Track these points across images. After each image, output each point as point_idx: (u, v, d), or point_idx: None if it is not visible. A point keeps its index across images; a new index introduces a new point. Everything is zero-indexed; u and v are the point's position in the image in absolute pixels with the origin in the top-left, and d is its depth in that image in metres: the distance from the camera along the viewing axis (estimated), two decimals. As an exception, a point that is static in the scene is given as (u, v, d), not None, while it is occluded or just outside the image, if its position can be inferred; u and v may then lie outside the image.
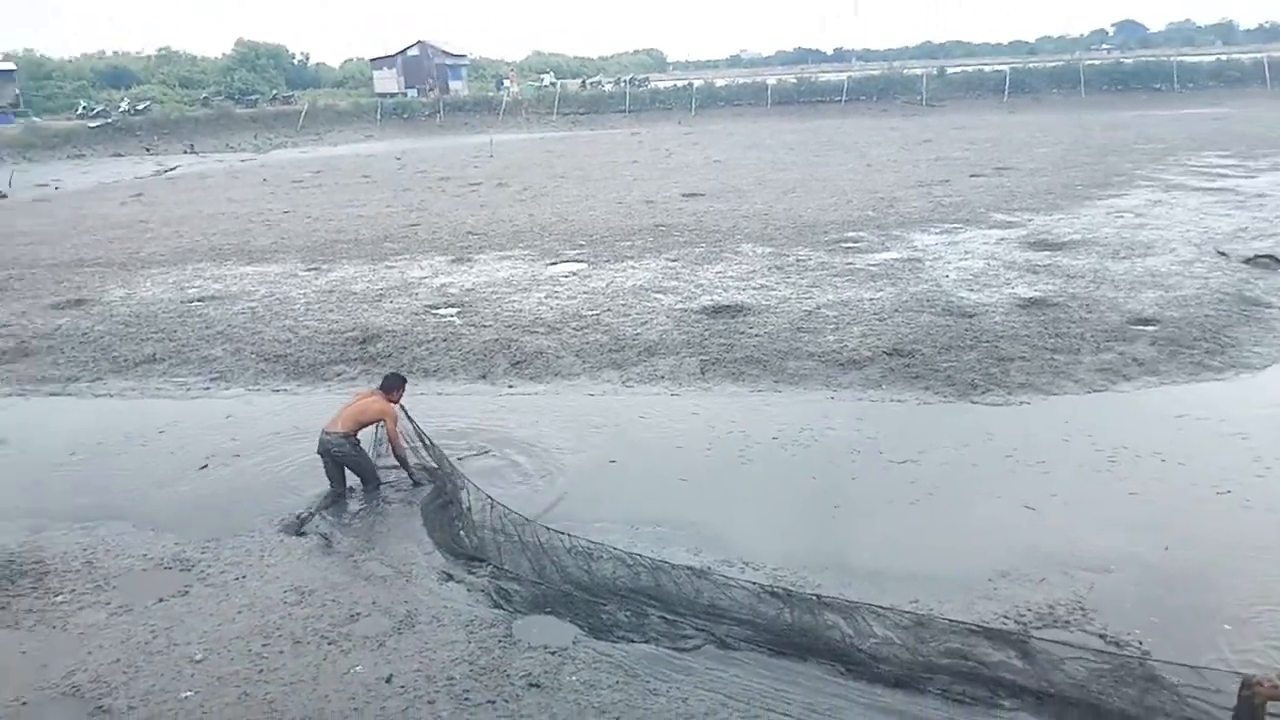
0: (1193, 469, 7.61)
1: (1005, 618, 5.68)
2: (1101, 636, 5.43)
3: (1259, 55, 54.73)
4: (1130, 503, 7.13)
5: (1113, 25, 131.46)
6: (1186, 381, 9.48)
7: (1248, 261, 13.64)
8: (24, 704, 5.33)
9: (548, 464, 8.36)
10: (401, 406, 8.18)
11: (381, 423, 8.00)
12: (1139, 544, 6.52)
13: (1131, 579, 6.09)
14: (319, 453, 7.87)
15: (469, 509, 7.40)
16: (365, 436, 8.09)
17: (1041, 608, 5.78)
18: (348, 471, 7.91)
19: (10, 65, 64.99)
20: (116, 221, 24.13)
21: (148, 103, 61.16)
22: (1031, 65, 59.88)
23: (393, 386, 8.11)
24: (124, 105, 59.32)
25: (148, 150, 48.87)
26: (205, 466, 8.72)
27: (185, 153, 47.68)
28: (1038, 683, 4.99)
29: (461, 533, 7.20)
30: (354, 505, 7.79)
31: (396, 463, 8.02)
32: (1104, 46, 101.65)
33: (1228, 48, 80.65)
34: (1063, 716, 4.81)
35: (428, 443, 8.08)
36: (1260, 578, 6.07)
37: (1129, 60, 59.38)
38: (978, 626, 5.50)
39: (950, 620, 5.58)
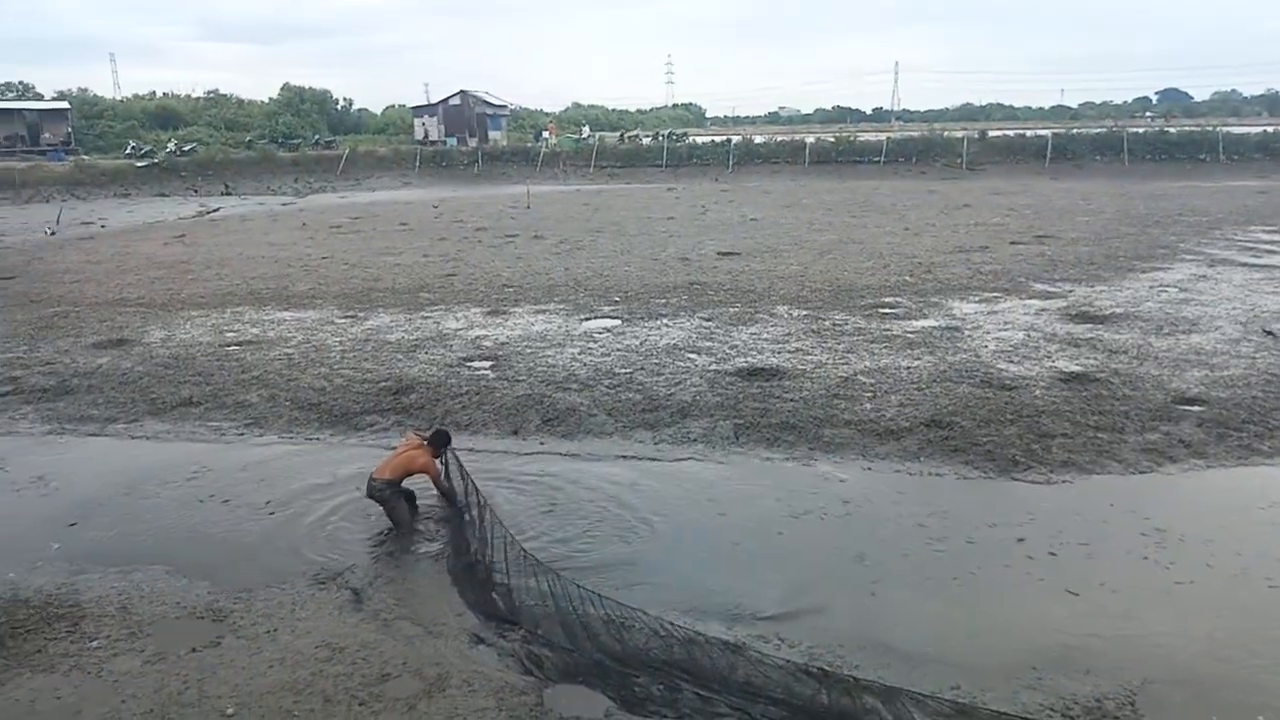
0: (1243, 558, 7.40)
1: (1051, 710, 5.51)
2: (1154, 736, 5.25)
3: (1307, 128, 54.33)
4: (1177, 592, 6.94)
5: (1156, 93, 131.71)
6: (1235, 465, 9.28)
7: (1295, 342, 13.42)
8: (53, 755, 5.30)
9: (583, 526, 8.31)
10: (454, 453, 8.57)
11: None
12: (1187, 636, 6.33)
13: (1179, 674, 5.90)
14: (367, 496, 8.21)
15: (494, 568, 7.39)
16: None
17: (1089, 701, 5.60)
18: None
19: (64, 104, 67.24)
20: (159, 261, 24.60)
21: (194, 144, 62.75)
22: (1074, 131, 59.76)
23: (441, 443, 8.49)
24: (170, 146, 60.89)
25: (194, 191, 50.00)
26: (269, 504, 8.92)
27: (223, 194, 48.69)
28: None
29: (493, 594, 7.14)
30: (385, 561, 7.75)
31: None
32: (1148, 114, 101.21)
33: (1274, 119, 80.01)
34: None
35: (478, 497, 8.17)
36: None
37: (1173, 129, 59.01)
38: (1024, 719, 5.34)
39: (994, 711, 5.42)
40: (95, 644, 6.48)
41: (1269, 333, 13.97)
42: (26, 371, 13.64)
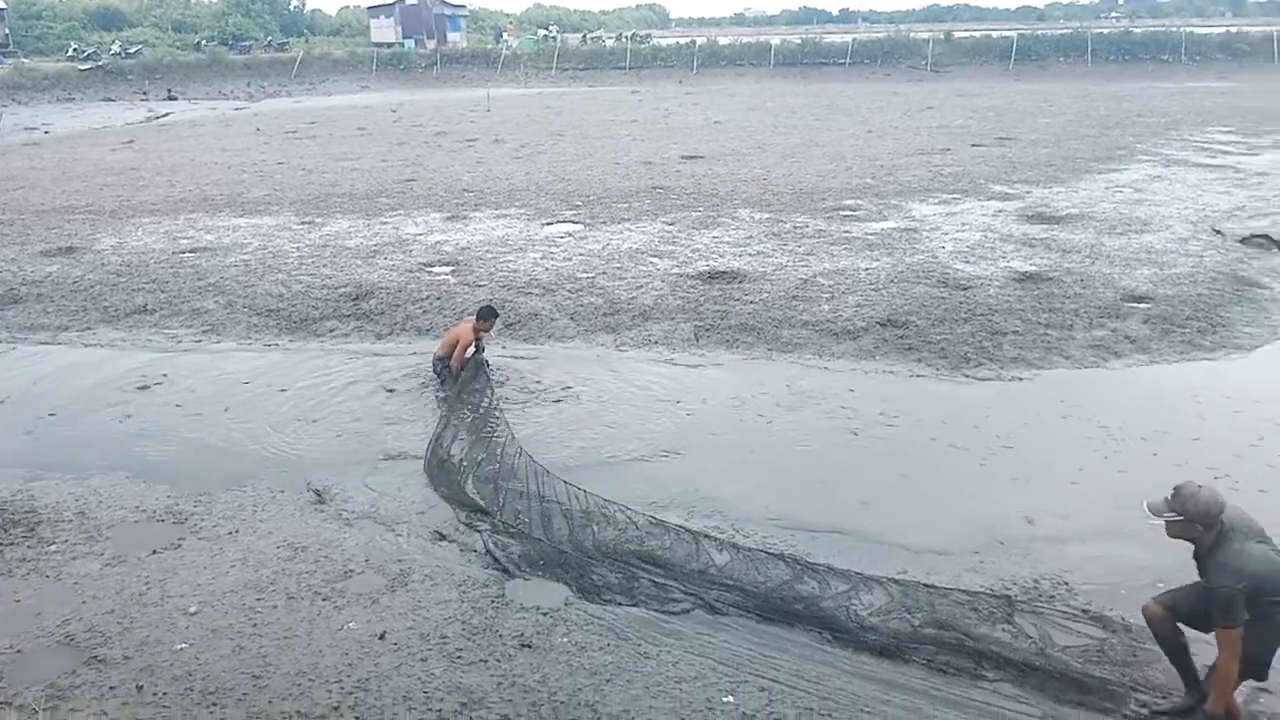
0: (1184, 449, 7.66)
1: (991, 590, 5.75)
2: (1084, 611, 5.51)
3: (1268, 28, 53.97)
4: (1119, 480, 7.18)
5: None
6: (1177, 360, 9.53)
7: (1243, 241, 13.66)
8: (19, 652, 5.37)
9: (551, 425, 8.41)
10: (479, 346, 9.42)
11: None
12: (1127, 522, 6.57)
13: (1117, 556, 6.16)
14: (432, 370, 9.44)
15: (465, 461, 7.58)
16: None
17: (1026, 581, 5.85)
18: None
19: (0, 4, 63.92)
20: (108, 168, 23.88)
21: (139, 46, 60.19)
22: (1039, 32, 59.31)
23: (483, 316, 9.38)
24: (115, 48, 58.38)
25: (142, 95, 48.24)
26: (228, 410, 8.93)
27: (168, 98, 47.00)
28: (1021, 655, 5.08)
29: (466, 486, 7.24)
30: (346, 462, 7.80)
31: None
32: (1113, 15, 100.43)
33: (1237, 20, 79.92)
34: (1044, 688, 4.89)
35: (488, 379, 9.16)
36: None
37: (1138, 30, 58.71)
38: (963, 597, 5.59)
39: (932, 586, 5.69)
40: (53, 548, 6.51)
41: (1218, 231, 14.19)
42: (-27, 281, 13.33)
